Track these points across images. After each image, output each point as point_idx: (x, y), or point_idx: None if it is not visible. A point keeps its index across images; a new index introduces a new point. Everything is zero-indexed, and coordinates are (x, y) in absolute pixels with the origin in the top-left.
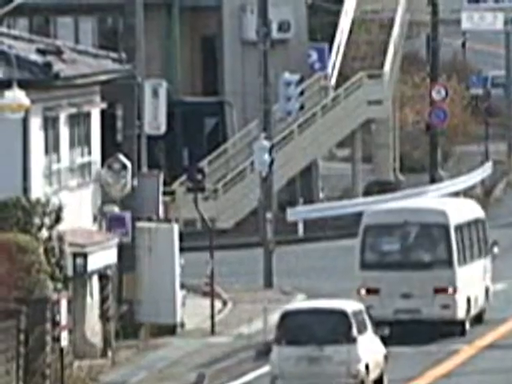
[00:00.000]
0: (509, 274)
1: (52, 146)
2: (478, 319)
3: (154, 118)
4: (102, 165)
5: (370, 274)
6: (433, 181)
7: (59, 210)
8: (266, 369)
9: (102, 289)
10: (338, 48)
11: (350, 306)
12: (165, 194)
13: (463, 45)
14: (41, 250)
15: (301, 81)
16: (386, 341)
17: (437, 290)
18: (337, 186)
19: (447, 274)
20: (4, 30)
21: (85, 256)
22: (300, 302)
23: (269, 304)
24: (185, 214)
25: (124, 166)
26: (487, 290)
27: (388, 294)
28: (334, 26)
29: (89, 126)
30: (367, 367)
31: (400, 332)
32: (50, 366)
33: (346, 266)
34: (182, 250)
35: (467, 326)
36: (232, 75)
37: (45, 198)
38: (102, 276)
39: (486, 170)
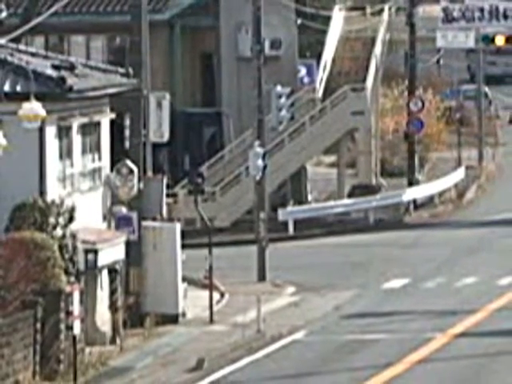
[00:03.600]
0: (478, 270)
1: (66, 153)
2: None
3: (158, 127)
4: (111, 169)
5: None
6: (410, 184)
7: (72, 211)
8: (259, 354)
9: (111, 282)
10: (325, 64)
11: None
12: (168, 196)
13: (438, 61)
14: (55, 246)
15: (291, 93)
16: (361, 329)
17: None
18: (324, 189)
19: None
20: (22, 47)
21: (95, 252)
22: None
23: (262, 296)
24: (186, 214)
25: (131, 171)
26: None
27: None
28: (321, 44)
29: (99, 135)
30: None
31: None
32: (63, 352)
33: (332, 262)
34: (183, 246)
35: None
36: (228, 88)
37: (59, 200)
38: (111, 270)
39: (458, 175)
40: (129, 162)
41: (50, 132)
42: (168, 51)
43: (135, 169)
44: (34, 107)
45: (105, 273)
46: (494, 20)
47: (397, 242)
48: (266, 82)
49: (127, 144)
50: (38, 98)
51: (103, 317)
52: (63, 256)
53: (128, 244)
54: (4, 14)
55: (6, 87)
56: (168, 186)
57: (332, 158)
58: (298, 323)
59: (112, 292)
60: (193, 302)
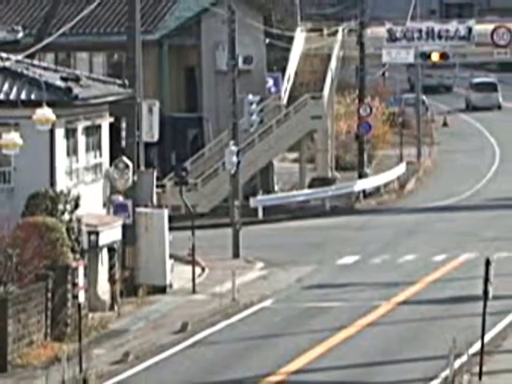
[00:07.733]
0: (416, 248)
1: (72, 150)
2: None
3: (150, 129)
4: (110, 164)
5: None
6: (360, 177)
7: (77, 199)
8: (234, 319)
9: (110, 258)
10: (289, 76)
11: None
12: (158, 186)
13: (383, 74)
14: (64, 229)
15: (260, 101)
16: (319, 298)
17: None
18: (288, 181)
19: None
20: (36, 62)
21: (97, 234)
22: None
23: (236, 270)
24: (172, 202)
25: (127, 166)
26: None
27: None
28: (286, 60)
29: (100, 135)
30: None
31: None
32: (70, 317)
33: (294, 242)
34: (170, 229)
35: None
36: (208, 97)
37: (66, 190)
38: (110, 249)
39: (400, 169)
40: (125, 159)
41: (59, 133)
42: (157, 66)
43: (130, 164)
44: (45, 112)
45: (105, 251)
46: (431, 40)
47: (349, 225)
48: (240, 91)
49: (123, 143)
50: (49, 105)
51: (103, 288)
52: (70, 237)
53: (124, 227)
54: (21, 35)
55: (23, 96)
56: (157, 179)
57: (295, 155)
58: (266, 293)
59: (111, 267)
60: (178, 276)
